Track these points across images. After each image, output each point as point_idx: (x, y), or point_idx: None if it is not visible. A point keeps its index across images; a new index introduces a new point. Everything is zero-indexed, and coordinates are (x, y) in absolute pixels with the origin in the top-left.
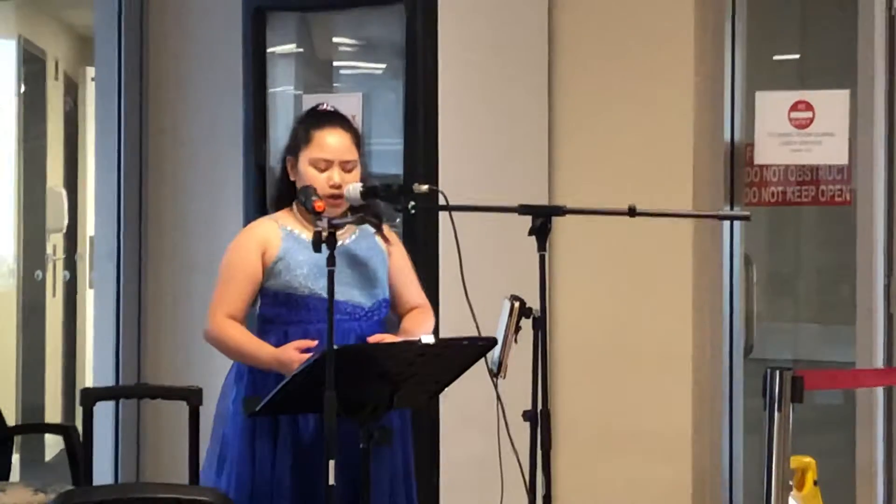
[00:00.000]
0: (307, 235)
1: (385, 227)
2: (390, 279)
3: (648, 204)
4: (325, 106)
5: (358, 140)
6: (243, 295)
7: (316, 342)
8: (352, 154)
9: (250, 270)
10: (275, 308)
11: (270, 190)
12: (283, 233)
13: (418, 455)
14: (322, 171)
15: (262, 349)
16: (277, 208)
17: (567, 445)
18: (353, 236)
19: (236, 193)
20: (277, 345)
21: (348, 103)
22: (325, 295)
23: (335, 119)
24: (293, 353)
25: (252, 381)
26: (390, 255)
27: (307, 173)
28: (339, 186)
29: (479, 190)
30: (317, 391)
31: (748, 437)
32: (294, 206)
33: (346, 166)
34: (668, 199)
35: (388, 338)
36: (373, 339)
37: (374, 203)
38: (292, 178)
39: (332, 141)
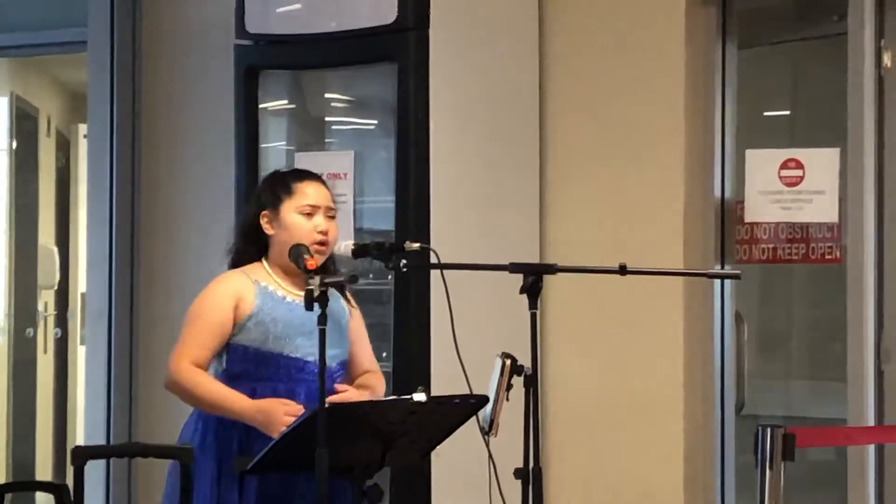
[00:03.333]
0: (282, 293)
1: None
2: (349, 342)
3: (639, 262)
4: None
5: (332, 196)
6: (211, 343)
7: (302, 408)
8: (332, 203)
9: (221, 319)
10: (243, 364)
11: (236, 247)
12: (257, 288)
13: None
14: (309, 217)
15: (238, 398)
16: (238, 265)
17: (559, 503)
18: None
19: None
20: None
21: (341, 161)
22: (295, 355)
23: (310, 174)
24: (280, 407)
25: (215, 434)
26: (351, 318)
27: (293, 222)
28: (326, 233)
29: (470, 248)
30: (307, 449)
31: (740, 495)
32: (264, 261)
33: (329, 212)
34: (659, 257)
35: (352, 389)
36: (339, 386)
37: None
38: (269, 233)
39: (313, 190)
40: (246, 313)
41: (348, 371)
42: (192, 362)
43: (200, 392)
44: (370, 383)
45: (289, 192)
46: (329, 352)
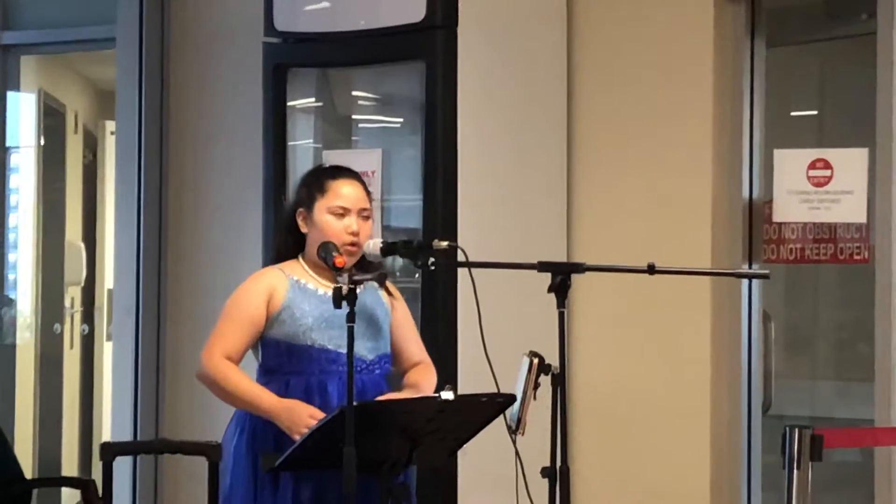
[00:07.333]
0: (314, 285)
1: (387, 282)
2: (392, 334)
3: (667, 261)
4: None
5: (368, 193)
6: (243, 338)
7: (322, 414)
8: (367, 203)
9: (254, 314)
10: (277, 358)
11: (277, 242)
12: (289, 282)
13: None
14: (340, 217)
15: (265, 396)
16: (278, 260)
17: (585, 502)
18: (359, 289)
19: (255, 247)
20: (278, 395)
21: (368, 159)
22: (327, 346)
23: (348, 171)
24: (305, 409)
25: (252, 432)
26: (393, 310)
27: (325, 222)
28: (357, 234)
29: (498, 246)
30: (335, 447)
31: (766, 495)
32: (300, 258)
33: (362, 213)
34: (687, 256)
35: (394, 396)
36: (382, 398)
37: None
38: (304, 231)
39: (348, 190)
40: (277, 307)
41: (395, 364)
42: (223, 355)
43: (229, 386)
44: (416, 382)
45: (322, 191)
46: (366, 345)
